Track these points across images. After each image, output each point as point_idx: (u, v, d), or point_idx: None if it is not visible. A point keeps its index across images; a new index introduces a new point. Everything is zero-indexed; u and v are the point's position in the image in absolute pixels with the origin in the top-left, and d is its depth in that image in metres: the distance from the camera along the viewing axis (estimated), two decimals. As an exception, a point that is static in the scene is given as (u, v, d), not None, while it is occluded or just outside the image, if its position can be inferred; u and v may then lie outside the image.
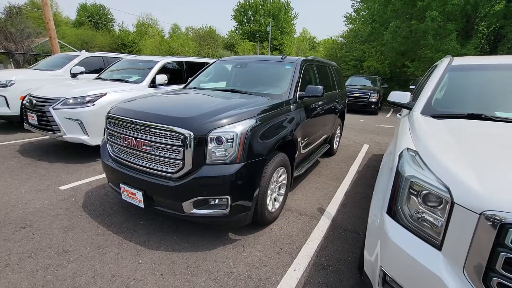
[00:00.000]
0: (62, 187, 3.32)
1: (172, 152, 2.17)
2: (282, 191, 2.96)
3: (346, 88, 12.07)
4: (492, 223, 1.06)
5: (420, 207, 1.34)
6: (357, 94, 11.76)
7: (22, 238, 2.35)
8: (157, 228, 2.61)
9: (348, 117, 10.42)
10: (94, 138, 4.06)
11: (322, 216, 3.00)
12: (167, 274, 2.04)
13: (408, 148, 1.63)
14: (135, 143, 2.32)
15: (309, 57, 4.05)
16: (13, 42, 16.61)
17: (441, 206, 1.26)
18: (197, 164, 2.14)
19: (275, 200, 2.84)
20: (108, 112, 2.62)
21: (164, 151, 2.20)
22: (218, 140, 2.14)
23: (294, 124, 2.96)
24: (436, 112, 2.21)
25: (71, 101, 3.98)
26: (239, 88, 3.38)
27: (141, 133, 2.29)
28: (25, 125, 4.38)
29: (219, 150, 2.16)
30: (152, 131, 2.22)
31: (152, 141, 2.23)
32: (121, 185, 2.42)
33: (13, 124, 5.96)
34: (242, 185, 2.23)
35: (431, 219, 1.30)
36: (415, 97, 2.80)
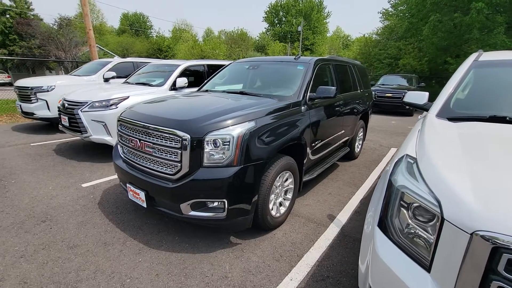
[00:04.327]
0: (84, 185, 3.57)
1: (171, 154, 2.21)
2: (289, 195, 2.87)
3: (379, 88, 11.59)
4: (484, 245, 0.90)
5: (411, 221, 1.20)
6: (390, 94, 11.08)
7: (41, 231, 2.56)
8: (162, 227, 2.68)
9: (378, 118, 9.86)
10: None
11: (331, 224, 2.85)
12: (162, 274, 2.08)
13: (407, 155, 1.47)
14: (139, 144, 2.41)
15: (325, 57, 3.90)
16: (63, 50, 18.48)
17: (433, 222, 1.11)
18: (194, 166, 2.15)
19: (280, 205, 2.76)
20: (120, 115, 2.76)
21: (164, 153, 2.25)
22: (215, 143, 2.13)
23: (302, 127, 2.86)
24: (454, 114, 1.97)
25: (97, 104, 4.28)
26: (249, 90, 3.36)
27: (144, 135, 2.37)
28: (59, 127, 4.81)
29: (216, 152, 2.15)
30: (153, 133, 2.29)
31: (153, 143, 2.30)
32: (127, 185, 2.53)
33: (53, 125, 6.57)
34: (239, 189, 2.20)
35: (422, 236, 1.15)
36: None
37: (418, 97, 2.41)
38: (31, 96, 5.98)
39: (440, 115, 2.01)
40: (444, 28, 12.48)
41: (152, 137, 2.31)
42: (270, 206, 2.56)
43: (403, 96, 10.76)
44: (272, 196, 2.58)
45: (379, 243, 1.30)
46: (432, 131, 1.71)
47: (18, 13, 26.65)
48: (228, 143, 2.13)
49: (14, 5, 27.10)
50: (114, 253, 2.29)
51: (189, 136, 2.11)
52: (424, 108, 2.33)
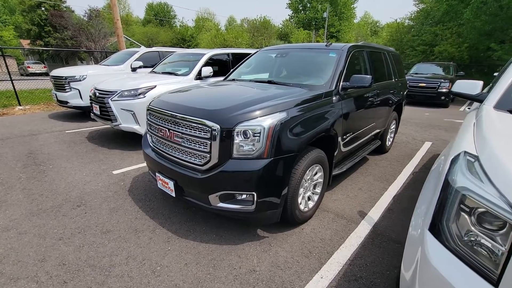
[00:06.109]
0: (115, 172, 3.68)
1: (200, 145, 2.17)
2: (318, 189, 2.75)
3: (411, 77, 10.90)
4: None
5: (473, 228, 1.05)
6: (424, 84, 10.36)
7: (76, 215, 2.67)
8: (189, 217, 2.69)
9: (411, 110, 9.32)
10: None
11: (362, 221, 2.71)
12: (191, 264, 2.08)
13: (465, 152, 1.30)
14: (168, 134, 2.40)
15: (359, 43, 3.65)
16: (93, 41, 19.22)
17: (504, 230, 0.96)
18: (224, 157, 2.10)
19: (309, 199, 2.67)
20: (149, 104, 2.76)
21: (193, 143, 2.21)
22: (245, 134, 2.06)
23: (334, 118, 2.70)
24: (517, 106, 1.74)
25: (126, 93, 4.36)
26: (278, 79, 3.23)
27: (173, 124, 2.34)
28: (91, 115, 4.99)
29: (246, 144, 2.07)
30: (182, 122, 2.26)
31: (182, 133, 2.27)
32: (156, 174, 2.55)
33: (85, 114, 6.85)
34: (269, 182, 2.12)
35: (488, 245, 1.01)
36: (492, 88, 2.27)
37: (470, 86, 2.17)
38: (65, 85, 6.25)
39: (498, 106, 1.78)
40: (489, 10, 11.38)
41: (181, 126, 2.28)
42: (299, 200, 2.47)
43: (438, 86, 10.13)
44: (301, 190, 2.48)
45: (431, 249, 1.16)
46: (493, 124, 1.51)
47: (52, 6, 27.91)
48: (258, 135, 2.05)
49: (49, -3, 28.37)
50: (144, 240, 2.33)
51: (218, 126, 2.05)
52: (477, 99, 2.09)
